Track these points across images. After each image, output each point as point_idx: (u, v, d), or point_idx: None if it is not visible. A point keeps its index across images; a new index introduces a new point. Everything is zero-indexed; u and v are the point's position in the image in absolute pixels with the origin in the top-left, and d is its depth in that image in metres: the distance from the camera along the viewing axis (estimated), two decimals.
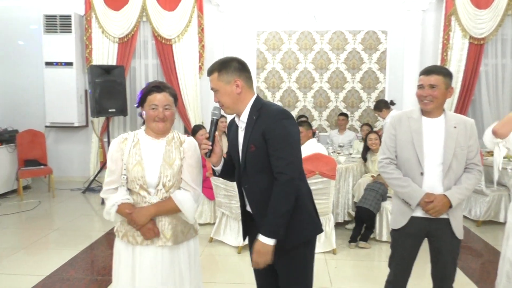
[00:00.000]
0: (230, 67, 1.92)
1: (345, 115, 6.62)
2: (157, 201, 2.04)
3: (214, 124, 1.98)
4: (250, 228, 2.10)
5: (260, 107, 1.92)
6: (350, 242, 4.28)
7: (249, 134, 1.90)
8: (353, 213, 4.70)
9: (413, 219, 2.31)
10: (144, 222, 1.99)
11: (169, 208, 2.04)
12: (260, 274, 2.15)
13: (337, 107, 7.04)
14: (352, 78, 6.97)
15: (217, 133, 1.98)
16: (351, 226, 4.66)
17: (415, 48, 6.68)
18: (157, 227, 2.03)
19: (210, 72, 1.95)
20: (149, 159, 2.03)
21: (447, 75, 2.29)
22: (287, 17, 6.77)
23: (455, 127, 2.26)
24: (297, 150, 1.92)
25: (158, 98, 2.01)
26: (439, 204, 2.21)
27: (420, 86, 2.29)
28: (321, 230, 2.04)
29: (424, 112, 2.33)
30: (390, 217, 2.49)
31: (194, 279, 2.16)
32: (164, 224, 2.05)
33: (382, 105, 5.74)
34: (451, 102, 6.60)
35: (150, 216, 2.01)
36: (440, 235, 2.30)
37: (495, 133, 2.52)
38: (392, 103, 5.88)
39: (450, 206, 2.23)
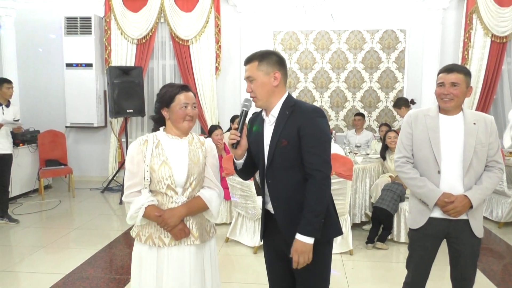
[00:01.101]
0: (272, 59, 1.93)
1: (361, 115, 6.55)
2: (187, 201, 2.04)
3: (244, 115, 1.96)
4: (268, 228, 2.08)
5: (293, 104, 1.93)
6: (367, 243, 4.24)
7: (281, 129, 1.90)
8: (370, 214, 4.65)
9: (431, 220, 2.28)
10: (176, 223, 1.99)
11: (199, 207, 2.05)
12: (275, 278, 2.13)
13: (354, 107, 6.97)
14: (369, 77, 6.90)
15: (246, 125, 1.97)
16: (368, 227, 4.61)
17: (435, 47, 6.56)
18: (187, 228, 2.04)
19: (249, 61, 1.95)
20: (175, 159, 2.04)
21: (467, 74, 2.25)
22: (304, 17, 6.73)
23: (474, 123, 2.21)
24: (330, 150, 1.93)
25: (188, 97, 2.05)
26: (459, 204, 2.17)
27: (441, 84, 2.24)
28: (341, 232, 2.04)
29: (442, 110, 2.29)
30: (408, 216, 2.44)
31: (215, 277, 2.17)
32: (192, 223, 2.06)
33: (402, 103, 5.63)
34: (472, 101, 6.47)
35: (182, 217, 2.01)
36: (459, 237, 2.26)
37: None
38: (413, 102, 5.77)
39: (471, 207, 2.18)
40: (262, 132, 2.00)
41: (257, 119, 2.06)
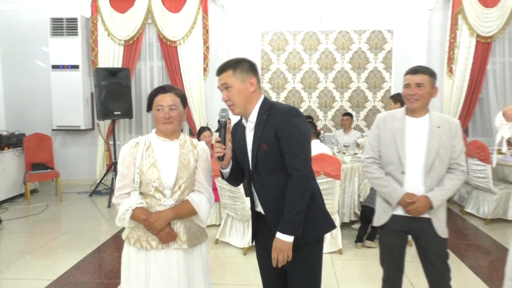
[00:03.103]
0: (245, 65, 1.95)
1: (349, 115, 6.58)
2: (174, 205, 2.02)
3: (224, 126, 1.97)
4: (259, 229, 2.10)
5: (270, 107, 1.93)
6: (356, 242, 4.26)
7: (260, 133, 1.91)
8: (359, 213, 4.66)
9: (394, 217, 2.36)
10: (163, 226, 1.98)
11: (187, 211, 2.03)
12: (268, 277, 2.13)
13: (342, 107, 7.00)
14: (357, 77, 6.94)
15: (228, 135, 1.97)
16: (357, 226, 4.63)
17: (422, 47, 6.63)
18: (174, 231, 2.02)
19: (223, 70, 1.95)
20: (164, 161, 2.02)
21: (432, 75, 2.34)
22: (292, 18, 6.75)
23: (438, 127, 2.29)
24: (309, 147, 1.93)
25: (163, 98, 2.02)
26: (420, 205, 2.25)
27: (407, 85, 2.33)
28: (334, 226, 2.07)
29: (409, 112, 2.37)
30: (375, 215, 2.50)
31: (206, 283, 2.16)
32: (180, 227, 2.04)
33: (400, 99, 5.58)
34: (458, 100, 6.53)
35: (169, 221, 2.00)
36: (424, 235, 2.33)
37: (504, 114, 2.61)
38: None
39: (432, 207, 2.27)
40: (244, 139, 2.01)
41: (239, 127, 2.08)
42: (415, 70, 2.32)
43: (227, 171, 2.04)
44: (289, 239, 1.85)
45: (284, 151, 1.87)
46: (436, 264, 2.31)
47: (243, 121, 2.03)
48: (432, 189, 2.28)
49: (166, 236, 1.99)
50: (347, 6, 6.78)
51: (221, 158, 1.96)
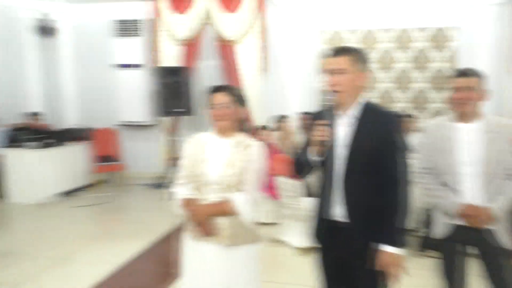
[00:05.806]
0: (365, 59, 1.92)
1: (409, 116, 6.36)
2: (215, 201, 2.07)
3: (330, 110, 1.89)
4: (327, 238, 1.99)
5: (376, 108, 1.92)
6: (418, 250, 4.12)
7: (365, 132, 1.85)
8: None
9: (453, 227, 2.26)
10: (201, 220, 2.06)
11: (225, 209, 2.05)
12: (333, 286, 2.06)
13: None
14: (420, 77, 6.68)
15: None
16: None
17: (490, 44, 6.26)
18: (214, 227, 2.07)
19: (341, 53, 1.88)
20: (213, 157, 2.11)
21: (482, 77, 2.23)
22: (350, 15, 6.63)
23: (497, 132, 2.16)
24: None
25: (215, 97, 2.12)
26: (483, 216, 2.14)
27: (458, 89, 2.21)
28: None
29: (461, 118, 2.24)
30: (433, 227, 2.42)
31: (251, 285, 2.16)
32: (224, 223, 2.08)
33: None
34: None
35: (207, 215, 2.06)
36: (486, 247, 2.20)
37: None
38: None
39: (495, 217, 2.15)
40: (334, 132, 1.90)
41: (325, 117, 1.88)
42: (466, 73, 2.22)
43: (319, 159, 1.91)
44: (401, 252, 1.79)
45: (390, 157, 1.83)
46: (506, 280, 2.19)
47: (338, 112, 1.93)
48: (492, 198, 2.16)
49: (205, 230, 2.07)
50: (407, 2, 6.52)
51: (324, 144, 1.83)
